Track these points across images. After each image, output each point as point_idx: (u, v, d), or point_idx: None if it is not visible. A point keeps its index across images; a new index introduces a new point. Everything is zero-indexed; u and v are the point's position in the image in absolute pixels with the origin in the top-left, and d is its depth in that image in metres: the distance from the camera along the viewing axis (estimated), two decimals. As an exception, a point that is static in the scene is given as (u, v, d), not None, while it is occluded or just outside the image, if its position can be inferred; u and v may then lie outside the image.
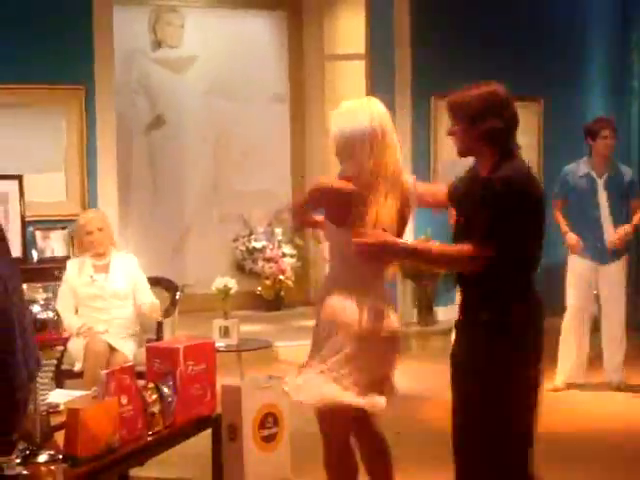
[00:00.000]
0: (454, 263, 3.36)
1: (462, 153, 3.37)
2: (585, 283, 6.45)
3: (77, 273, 5.72)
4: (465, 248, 3.20)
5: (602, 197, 6.38)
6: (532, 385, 3.32)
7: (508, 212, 3.14)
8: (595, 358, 6.75)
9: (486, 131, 3.27)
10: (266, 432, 4.70)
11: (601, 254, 6.40)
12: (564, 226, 6.44)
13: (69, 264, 5.84)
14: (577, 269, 6.44)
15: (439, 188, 3.76)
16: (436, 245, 3.62)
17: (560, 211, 6.50)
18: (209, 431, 4.56)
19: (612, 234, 6.34)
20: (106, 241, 5.79)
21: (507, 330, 3.23)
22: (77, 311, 5.68)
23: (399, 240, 3.47)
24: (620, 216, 6.42)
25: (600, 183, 6.39)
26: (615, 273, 6.45)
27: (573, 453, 5.19)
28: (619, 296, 6.47)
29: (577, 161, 6.53)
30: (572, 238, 6.38)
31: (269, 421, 4.73)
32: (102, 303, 5.67)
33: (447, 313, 7.45)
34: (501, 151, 3.29)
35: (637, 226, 6.58)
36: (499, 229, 3.14)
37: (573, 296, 6.46)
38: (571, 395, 6.38)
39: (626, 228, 6.37)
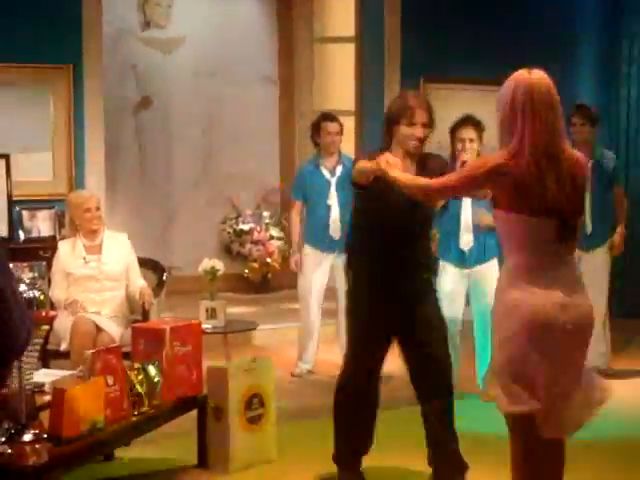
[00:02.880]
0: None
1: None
2: None
3: (69, 254, 5.71)
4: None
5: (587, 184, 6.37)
6: None
7: None
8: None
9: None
10: (251, 413, 4.71)
11: (585, 240, 6.39)
12: None
13: (60, 245, 5.82)
14: None
15: None
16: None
17: None
18: (195, 412, 4.57)
19: (589, 224, 6.35)
20: (100, 220, 5.81)
21: None
22: (68, 291, 5.67)
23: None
24: (604, 203, 6.42)
25: None
26: (599, 259, 6.46)
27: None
28: (602, 282, 6.47)
29: None
30: None
31: (255, 402, 4.74)
32: (95, 284, 5.66)
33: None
34: None
35: (623, 216, 6.59)
36: None
37: None
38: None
39: (619, 232, 6.45)
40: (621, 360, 6.78)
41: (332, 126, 6.51)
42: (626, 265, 8.42)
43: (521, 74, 3.34)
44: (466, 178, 3.40)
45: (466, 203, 5.75)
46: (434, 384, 4.29)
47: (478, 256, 5.86)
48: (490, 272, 5.71)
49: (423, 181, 3.62)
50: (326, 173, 6.48)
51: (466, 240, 5.82)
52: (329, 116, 6.65)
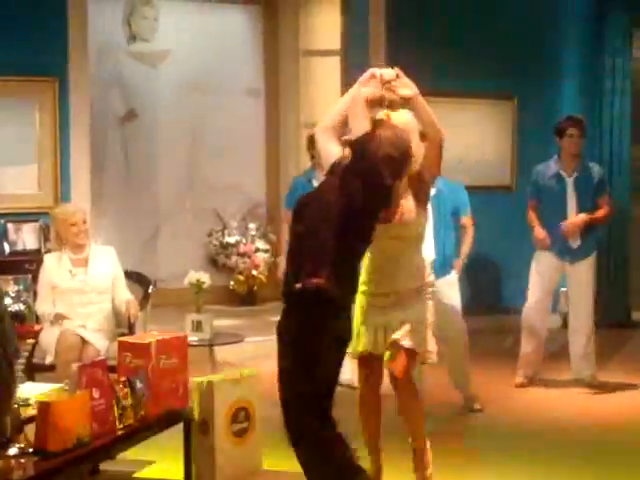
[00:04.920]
0: None
1: None
2: (548, 280, 6.48)
3: (56, 267, 5.69)
4: None
5: (571, 197, 6.41)
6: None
7: None
8: (563, 355, 6.83)
9: None
10: (237, 426, 4.71)
11: (570, 253, 6.43)
12: (533, 222, 6.47)
13: (46, 258, 5.81)
14: (542, 265, 6.46)
15: None
16: None
17: (534, 210, 6.52)
18: (181, 425, 4.57)
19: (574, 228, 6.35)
20: (87, 234, 5.79)
21: None
22: (54, 304, 5.66)
23: None
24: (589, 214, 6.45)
25: (569, 182, 6.41)
26: (584, 272, 6.48)
27: (539, 447, 5.24)
28: (587, 294, 6.50)
29: (547, 161, 6.56)
30: (539, 232, 6.39)
31: (241, 416, 4.74)
32: (81, 297, 5.65)
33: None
34: None
35: (597, 220, 6.49)
36: None
37: (535, 293, 6.50)
38: (536, 392, 6.43)
39: (582, 216, 6.34)
40: (606, 372, 6.81)
41: None
42: (609, 276, 8.50)
43: None
44: None
45: None
46: None
47: None
48: None
49: None
50: None
51: None
52: None
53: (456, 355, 5.80)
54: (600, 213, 6.46)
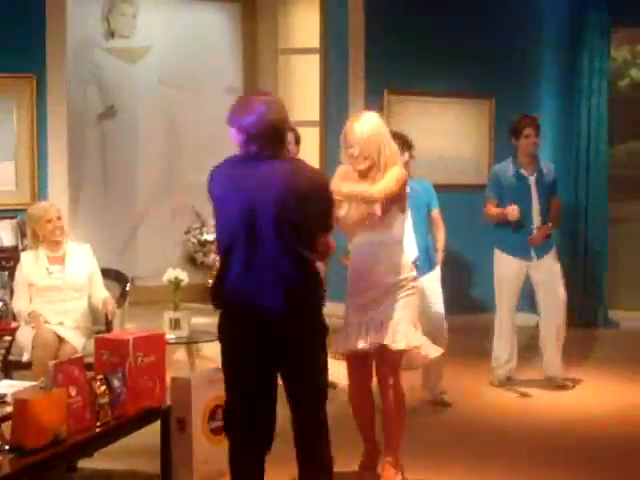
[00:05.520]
0: None
1: None
2: (513, 281, 6.48)
3: (32, 265, 5.67)
4: None
5: (534, 195, 6.43)
6: None
7: None
8: (532, 354, 6.87)
9: None
10: (216, 424, 4.70)
11: (533, 250, 6.44)
12: (494, 211, 6.43)
13: (23, 256, 5.78)
14: (504, 268, 6.46)
15: None
16: None
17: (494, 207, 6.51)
18: (158, 423, 4.57)
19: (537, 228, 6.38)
20: (63, 231, 5.78)
21: None
22: (31, 301, 5.64)
23: None
24: (547, 213, 6.48)
25: (532, 181, 6.44)
26: (551, 265, 6.48)
27: (513, 448, 5.26)
28: (558, 286, 6.51)
29: (505, 161, 6.57)
30: (511, 208, 6.28)
31: (219, 413, 4.72)
32: (58, 294, 5.63)
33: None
34: None
35: (557, 223, 6.62)
36: None
37: (502, 295, 6.51)
38: (507, 392, 6.43)
39: (545, 228, 6.38)
40: (580, 371, 6.86)
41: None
42: (586, 276, 8.55)
43: None
44: None
45: None
46: None
47: None
48: None
49: None
50: None
51: None
52: None
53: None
54: (555, 214, 6.53)
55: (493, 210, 6.47)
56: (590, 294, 8.60)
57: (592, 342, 7.95)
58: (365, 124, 4.36)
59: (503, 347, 6.54)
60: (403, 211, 4.44)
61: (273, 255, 3.60)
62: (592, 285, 8.63)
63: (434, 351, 4.62)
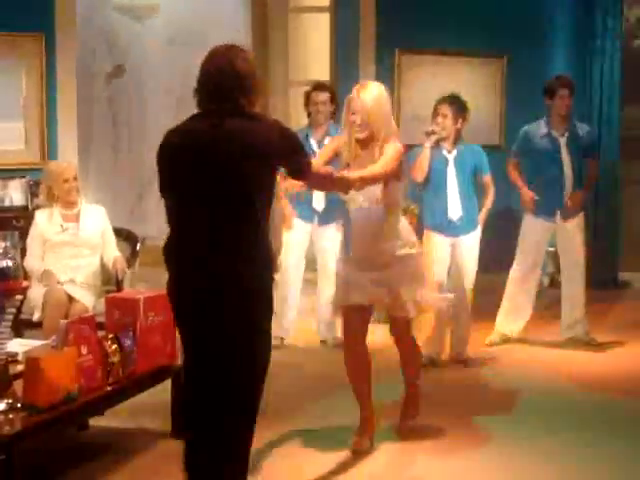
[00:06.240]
0: None
1: None
2: (536, 245, 6.49)
3: (46, 222, 5.69)
4: None
5: (565, 156, 6.40)
6: None
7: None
8: (549, 315, 6.86)
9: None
10: (225, 383, 4.71)
11: (560, 212, 6.43)
12: (519, 182, 6.48)
13: (38, 214, 5.79)
14: (530, 230, 6.47)
15: None
16: None
17: (517, 169, 6.53)
18: (169, 381, 4.59)
19: (570, 195, 6.38)
20: (78, 191, 5.79)
21: None
22: (43, 259, 5.66)
23: None
24: (579, 175, 6.46)
25: (562, 142, 6.41)
26: (573, 230, 6.49)
27: (523, 406, 5.28)
28: (578, 253, 6.51)
29: (537, 121, 6.54)
30: (526, 194, 6.40)
31: (229, 372, 4.74)
32: (71, 250, 5.65)
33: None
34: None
35: (591, 186, 6.65)
36: None
37: (522, 257, 6.51)
38: (523, 350, 6.46)
39: (580, 195, 6.40)
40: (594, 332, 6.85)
41: (317, 95, 6.37)
42: (597, 237, 8.52)
43: None
44: None
45: None
46: None
47: None
48: None
49: None
50: (314, 144, 6.31)
51: None
52: (318, 85, 6.50)
53: (460, 310, 5.93)
54: (590, 176, 6.53)
55: (515, 176, 6.51)
56: (602, 255, 8.56)
57: (604, 303, 7.92)
58: (371, 93, 4.33)
59: (510, 307, 6.53)
60: (399, 179, 4.44)
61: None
62: (603, 246, 8.60)
63: (442, 302, 4.89)
